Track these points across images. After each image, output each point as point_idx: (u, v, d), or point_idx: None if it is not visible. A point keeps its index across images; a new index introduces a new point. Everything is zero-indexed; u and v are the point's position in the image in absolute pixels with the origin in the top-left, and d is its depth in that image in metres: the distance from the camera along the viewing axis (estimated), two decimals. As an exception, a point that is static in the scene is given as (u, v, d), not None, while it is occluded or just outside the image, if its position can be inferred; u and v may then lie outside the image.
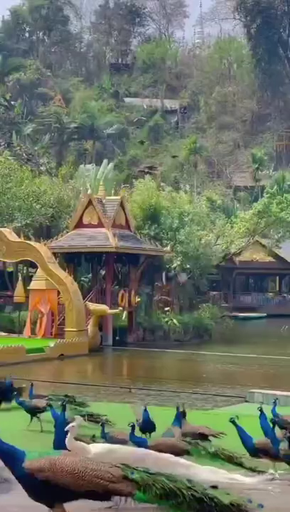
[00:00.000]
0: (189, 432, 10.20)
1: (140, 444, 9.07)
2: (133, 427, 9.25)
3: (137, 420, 10.49)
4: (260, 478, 6.86)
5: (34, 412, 12.25)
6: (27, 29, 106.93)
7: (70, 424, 7.79)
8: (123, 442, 9.04)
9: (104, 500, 6.17)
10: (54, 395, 13.60)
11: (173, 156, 70.22)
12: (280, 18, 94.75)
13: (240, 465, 8.97)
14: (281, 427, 10.96)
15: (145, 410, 10.87)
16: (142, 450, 7.48)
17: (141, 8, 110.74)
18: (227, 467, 8.77)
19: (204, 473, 7.31)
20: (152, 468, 6.57)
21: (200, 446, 9.24)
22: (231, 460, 9.01)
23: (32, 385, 13.86)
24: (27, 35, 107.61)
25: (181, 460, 7.47)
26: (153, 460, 7.04)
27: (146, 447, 8.96)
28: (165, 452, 8.85)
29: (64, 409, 9.11)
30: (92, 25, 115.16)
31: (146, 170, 47.28)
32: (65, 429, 7.66)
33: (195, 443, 9.34)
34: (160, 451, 8.92)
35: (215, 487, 6.55)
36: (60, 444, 8.63)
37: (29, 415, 12.41)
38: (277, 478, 7.12)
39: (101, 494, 6.09)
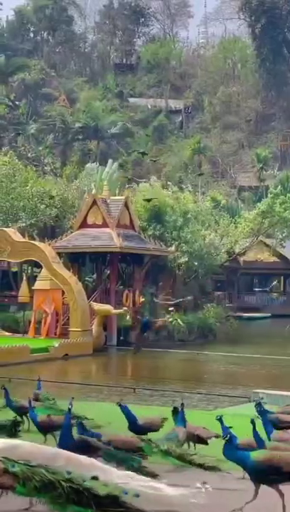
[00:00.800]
0: (189, 432, 10.23)
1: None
2: (80, 424, 9.25)
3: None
4: (184, 491, 6.83)
5: (21, 412, 12.29)
6: (31, 29, 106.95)
7: None
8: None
9: None
10: (43, 393, 13.71)
11: (199, 174, 69.23)
12: (285, 18, 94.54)
13: (189, 463, 9.16)
14: (278, 428, 10.96)
15: (125, 408, 10.69)
16: (52, 449, 7.37)
17: (146, 8, 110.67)
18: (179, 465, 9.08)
19: (119, 478, 7.19)
20: (64, 469, 6.57)
21: (153, 444, 9.36)
22: (181, 458, 9.20)
23: (39, 379, 14.34)
24: (31, 35, 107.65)
25: (96, 463, 7.36)
26: (65, 460, 6.96)
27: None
28: (119, 448, 8.97)
29: (70, 411, 9.15)
30: (96, 25, 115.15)
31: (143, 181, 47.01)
32: None
33: (148, 440, 9.44)
34: (115, 447, 9.03)
35: (95, 478, 6.60)
36: (65, 444, 8.71)
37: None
38: (205, 488, 7.14)
39: None
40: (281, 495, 7.53)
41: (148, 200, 41.35)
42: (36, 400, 13.05)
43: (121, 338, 36.61)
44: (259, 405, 11.02)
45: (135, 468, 8.98)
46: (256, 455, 7.62)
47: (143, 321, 17.35)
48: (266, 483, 7.53)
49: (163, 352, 33.76)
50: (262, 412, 10.79)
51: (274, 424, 10.67)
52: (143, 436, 9.67)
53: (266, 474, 7.45)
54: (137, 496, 6.44)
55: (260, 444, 8.91)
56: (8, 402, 12.55)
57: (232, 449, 7.83)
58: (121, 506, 6.30)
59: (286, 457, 7.63)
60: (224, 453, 7.98)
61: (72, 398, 9.73)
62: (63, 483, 6.35)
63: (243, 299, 63.99)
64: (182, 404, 10.91)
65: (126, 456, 9.12)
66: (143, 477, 7.08)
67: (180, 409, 10.70)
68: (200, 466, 9.09)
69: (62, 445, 8.74)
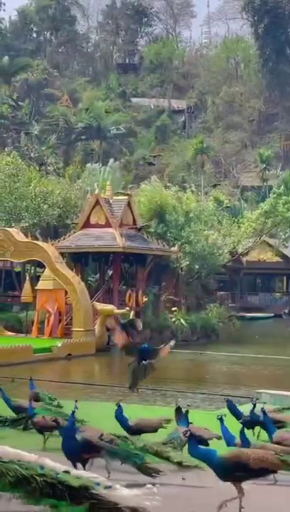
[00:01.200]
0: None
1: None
2: (55, 420, 9.44)
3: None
4: (139, 491, 6.86)
5: (19, 411, 12.35)
6: (34, 29, 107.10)
7: None
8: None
9: None
10: (44, 393, 13.79)
11: (214, 185, 68.22)
12: (287, 18, 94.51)
13: (167, 459, 9.16)
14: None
15: (118, 407, 10.72)
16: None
17: (148, 8, 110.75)
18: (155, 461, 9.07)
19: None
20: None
21: (129, 441, 9.40)
22: (159, 455, 9.20)
23: (31, 379, 14.12)
24: (34, 35, 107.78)
25: (47, 461, 7.39)
26: (13, 458, 7.05)
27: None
28: None
29: (73, 414, 9.18)
30: (99, 25, 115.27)
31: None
32: None
33: (124, 437, 9.49)
34: None
35: (67, 472, 6.69)
36: (69, 445, 8.73)
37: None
38: (156, 491, 7.16)
39: None
40: (242, 494, 7.42)
41: (150, 164, 40.45)
42: (36, 399, 13.10)
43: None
44: (231, 405, 11.10)
45: (138, 466, 9.04)
46: (223, 452, 7.53)
47: (142, 348, 15.19)
48: (232, 481, 7.40)
49: (166, 352, 33.70)
50: (234, 411, 10.97)
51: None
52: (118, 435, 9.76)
53: (232, 471, 7.32)
54: (109, 487, 6.53)
55: (245, 443, 8.93)
56: (7, 401, 12.60)
57: (196, 446, 7.70)
58: (93, 498, 6.42)
59: (254, 454, 7.55)
60: (188, 450, 7.87)
61: (76, 401, 9.74)
62: (37, 477, 6.45)
63: (246, 299, 64.00)
64: (187, 406, 10.90)
65: (128, 453, 9.18)
66: (103, 478, 7.12)
67: (184, 411, 10.71)
68: (178, 463, 9.12)
69: (66, 446, 8.79)
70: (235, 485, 7.41)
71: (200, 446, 7.74)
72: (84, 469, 8.70)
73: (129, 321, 13.54)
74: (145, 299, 37.70)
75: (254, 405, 11.23)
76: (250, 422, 10.81)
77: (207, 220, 46.18)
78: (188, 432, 7.78)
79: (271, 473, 7.58)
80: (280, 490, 8.22)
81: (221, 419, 9.19)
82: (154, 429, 10.72)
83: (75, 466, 8.67)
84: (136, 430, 10.63)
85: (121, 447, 9.28)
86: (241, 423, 10.28)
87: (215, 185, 51.08)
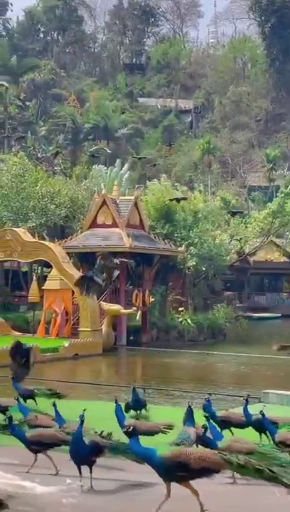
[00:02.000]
0: (197, 434, 10.22)
1: (19, 436, 9.46)
2: (10, 418, 9.52)
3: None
4: (56, 488, 6.72)
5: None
6: (41, 29, 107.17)
7: None
8: None
9: None
10: (38, 388, 13.85)
11: (233, 213, 66.76)
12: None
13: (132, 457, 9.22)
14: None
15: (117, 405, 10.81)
16: None
17: (155, 8, 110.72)
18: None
19: None
20: None
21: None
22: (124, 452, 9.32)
23: (13, 378, 14.15)
24: (41, 35, 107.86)
25: None
26: None
27: (24, 439, 9.38)
28: (49, 444, 9.23)
29: (82, 423, 9.19)
30: (106, 26, 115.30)
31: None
32: None
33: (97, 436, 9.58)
34: (41, 442, 9.36)
35: None
36: (78, 451, 8.78)
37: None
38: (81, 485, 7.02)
39: None
40: (195, 493, 7.26)
41: (178, 201, 41.03)
42: (32, 396, 13.23)
43: (131, 338, 36.62)
44: (208, 404, 11.33)
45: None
46: (163, 451, 7.34)
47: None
48: (174, 481, 7.25)
49: (173, 352, 33.74)
50: (209, 411, 11.01)
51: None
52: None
53: (174, 471, 7.16)
54: None
55: (212, 444, 8.93)
56: None
57: (138, 444, 7.53)
58: None
59: (195, 453, 7.36)
60: (130, 448, 7.75)
61: (84, 410, 9.71)
62: None
63: (253, 299, 63.90)
64: (189, 406, 10.91)
65: (126, 446, 9.28)
66: (11, 475, 6.98)
67: (188, 410, 10.72)
68: (136, 461, 9.17)
69: (75, 451, 8.81)
70: (185, 485, 7.23)
71: (141, 444, 7.63)
72: (91, 471, 8.72)
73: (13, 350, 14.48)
74: (152, 299, 37.70)
75: (247, 402, 11.27)
76: (227, 423, 10.93)
77: (214, 220, 46.14)
78: (131, 428, 7.69)
79: (214, 473, 7.43)
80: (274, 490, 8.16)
81: (207, 418, 9.21)
82: (151, 433, 10.68)
83: (80, 470, 8.71)
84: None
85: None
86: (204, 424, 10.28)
87: (234, 214, 50.24)
